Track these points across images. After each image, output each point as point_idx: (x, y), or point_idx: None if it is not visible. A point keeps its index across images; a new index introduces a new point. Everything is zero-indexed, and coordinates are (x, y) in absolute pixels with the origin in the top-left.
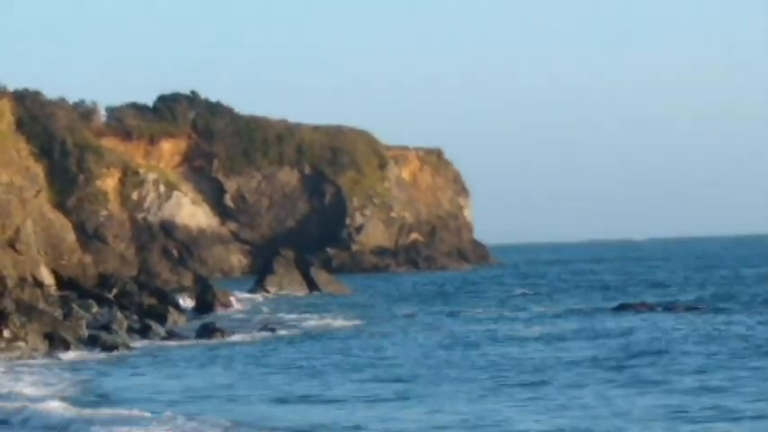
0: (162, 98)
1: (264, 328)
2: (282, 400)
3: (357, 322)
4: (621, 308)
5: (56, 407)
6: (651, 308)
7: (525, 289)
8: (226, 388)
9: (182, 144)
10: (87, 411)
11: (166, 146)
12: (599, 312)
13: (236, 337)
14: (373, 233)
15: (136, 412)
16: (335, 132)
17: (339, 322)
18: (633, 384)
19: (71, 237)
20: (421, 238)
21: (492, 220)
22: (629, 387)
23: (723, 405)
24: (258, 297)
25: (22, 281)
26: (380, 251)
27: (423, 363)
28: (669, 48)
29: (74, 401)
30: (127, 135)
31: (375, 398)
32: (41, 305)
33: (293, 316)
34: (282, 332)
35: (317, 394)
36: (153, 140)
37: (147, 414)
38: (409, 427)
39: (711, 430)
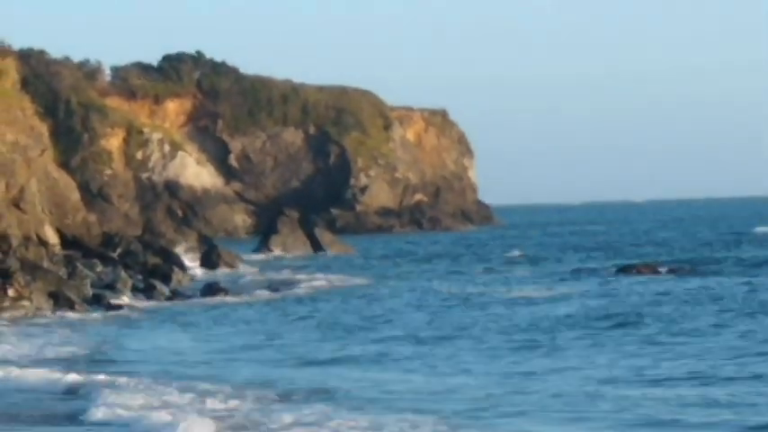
0: (167, 58)
1: (269, 287)
2: (289, 362)
3: (361, 282)
4: (623, 269)
5: (53, 370)
6: (653, 269)
7: (527, 250)
8: (230, 349)
9: (186, 104)
10: (88, 374)
11: (171, 105)
12: (601, 273)
13: (240, 297)
14: (377, 194)
15: (132, 377)
16: (340, 93)
17: (344, 282)
18: (641, 345)
19: (75, 196)
20: (425, 199)
21: (496, 182)
22: (636, 348)
23: (740, 367)
24: (262, 257)
25: (26, 240)
26: (385, 212)
27: (428, 323)
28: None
29: (75, 363)
30: (131, 94)
31: (384, 359)
32: (46, 264)
33: (298, 276)
34: (287, 292)
35: (324, 355)
36: (157, 100)
37: (150, 378)
38: (421, 388)
39: (734, 393)
